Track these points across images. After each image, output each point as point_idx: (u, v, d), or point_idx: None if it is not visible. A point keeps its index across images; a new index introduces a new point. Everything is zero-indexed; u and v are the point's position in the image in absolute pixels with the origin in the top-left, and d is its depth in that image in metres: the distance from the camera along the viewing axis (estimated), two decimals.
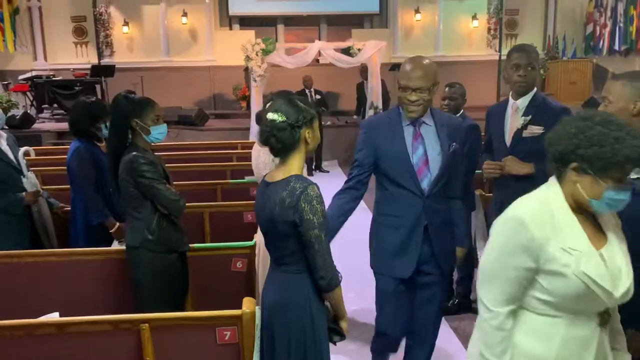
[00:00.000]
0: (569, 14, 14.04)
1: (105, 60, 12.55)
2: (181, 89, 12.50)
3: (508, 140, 2.98)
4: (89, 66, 11.78)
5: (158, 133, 2.83)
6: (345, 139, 10.29)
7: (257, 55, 9.34)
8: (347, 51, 9.94)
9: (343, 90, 11.30)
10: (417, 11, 13.18)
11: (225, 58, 12.58)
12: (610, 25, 13.62)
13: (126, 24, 12.76)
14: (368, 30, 13.53)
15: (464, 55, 13.16)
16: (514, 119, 2.96)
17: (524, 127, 2.88)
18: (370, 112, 9.91)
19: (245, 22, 13.73)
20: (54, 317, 2.43)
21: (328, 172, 9.17)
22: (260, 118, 2.07)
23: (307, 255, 2.01)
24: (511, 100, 3.00)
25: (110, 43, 12.84)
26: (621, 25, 13.61)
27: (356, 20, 13.80)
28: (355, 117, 10.62)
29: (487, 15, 13.32)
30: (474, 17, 13.18)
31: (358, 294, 4.02)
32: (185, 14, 12.86)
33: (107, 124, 3.35)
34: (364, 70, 10.19)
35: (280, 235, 2.03)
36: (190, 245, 3.05)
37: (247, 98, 11.94)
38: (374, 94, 9.92)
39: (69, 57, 13.06)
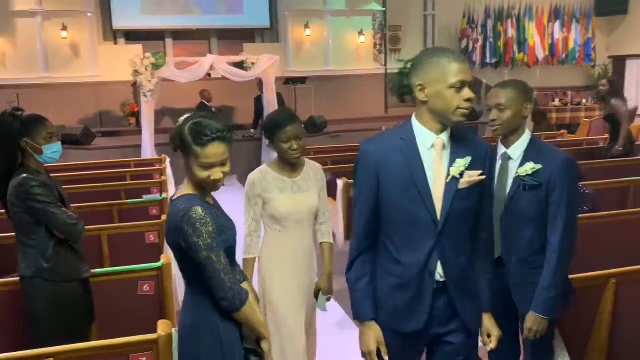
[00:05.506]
0: (445, 30, 15.06)
1: None
2: (63, 107, 11.67)
3: None
4: None
5: (52, 152, 2.63)
6: (244, 153, 10.21)
7: (146, 69, 9.00)
8: (240, 65, 9.90)
9: (238, 105, 11.20)
10: (306, 26, 13.44)
11: (111, 73, 11.95)
12: (481, 40, 14.85)
13: None
14: (260, 45, 13.55)
15: (353, 70, 13.56)
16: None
17: None
18: None
19: (131, 36, 13.15)
20: None
21: None
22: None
23: (204, 278, 1.91)
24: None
25: None
26: (491, 40, 14.89)
27: (247, 35, 13.77)
28: (252, 130, 10.58)
29: (373, 31, 13.91)
30: (361, 33, 13.69)
31: None
32: (65, 28, 12.05)
33: None
34: (260, 83, 10.21)
35: (177, 258, 1.97)
36: (91, 270, 2.86)
37: (136, 114, 11.46)
38: (270, 107, 9.97)
39: None
